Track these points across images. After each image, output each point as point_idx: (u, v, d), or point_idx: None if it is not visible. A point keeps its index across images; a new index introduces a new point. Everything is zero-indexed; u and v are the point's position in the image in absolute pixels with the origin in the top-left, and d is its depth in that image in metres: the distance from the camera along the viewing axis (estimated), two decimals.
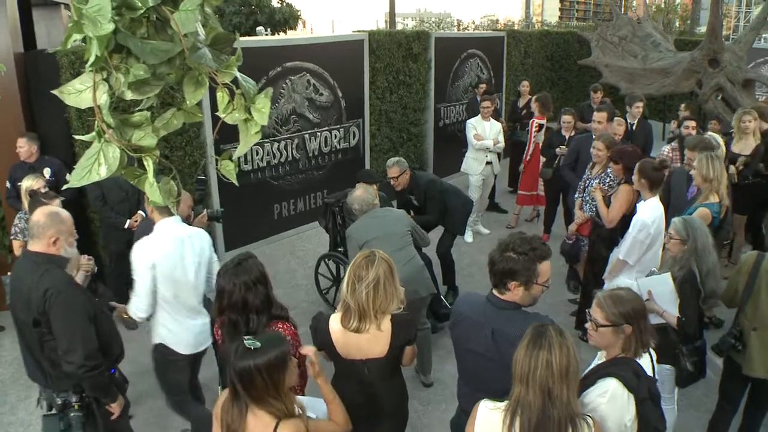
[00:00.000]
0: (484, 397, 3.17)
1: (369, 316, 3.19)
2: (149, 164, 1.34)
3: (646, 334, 2.95)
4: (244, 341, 2.62)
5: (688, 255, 4.08)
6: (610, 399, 2.74)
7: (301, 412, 2.73)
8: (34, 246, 3.52)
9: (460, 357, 3.33)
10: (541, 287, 3.03)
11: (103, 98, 1.24)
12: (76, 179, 1.34)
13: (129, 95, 1.30)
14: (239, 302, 3.21)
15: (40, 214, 3.54)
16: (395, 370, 3.46)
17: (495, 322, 3.05)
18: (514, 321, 3.00)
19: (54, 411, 3.65)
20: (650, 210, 4.88)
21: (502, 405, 2.53)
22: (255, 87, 1.46)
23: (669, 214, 5.03)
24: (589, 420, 2.49)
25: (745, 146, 6.96)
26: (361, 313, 3.19)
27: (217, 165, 1.54)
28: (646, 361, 2.96)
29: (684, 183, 6.01)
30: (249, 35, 13.73)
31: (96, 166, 1.28)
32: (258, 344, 2.59)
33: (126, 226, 6.19)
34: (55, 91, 1.33)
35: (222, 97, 1.41)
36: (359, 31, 10.18)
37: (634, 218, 4.93)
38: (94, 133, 1.29)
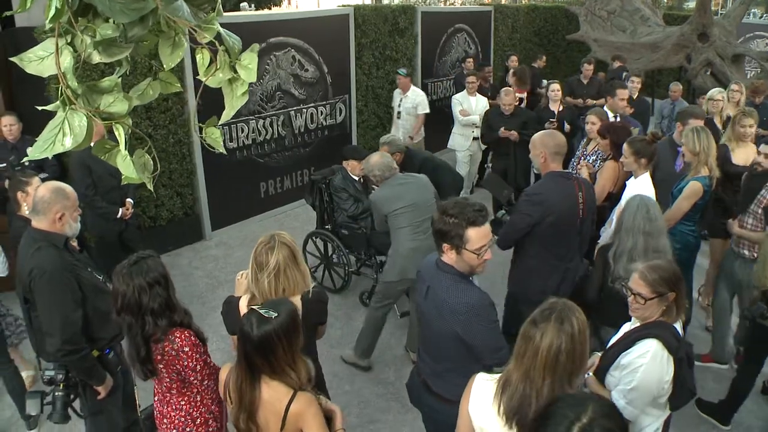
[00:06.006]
0: (422, 350, 3.33)
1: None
2: (120, 133, 1.23)
3: (684, 299, 3.02)
4: (260, 311, 2.59)
5: (615, 230, 4.07)
6: (651, 359, 2.81)
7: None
8: (39, 223, 3.47)
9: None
10: (473, 255, 2.98)
11: (66, 62, 1.14)
12: (37, 151, 1.23)
13: (96, 58, 1.19)
14: (133, 304, 3.00)
15: (44, 190, 3.49)
16: (310, 353, 3.36)
17: (432, 280, 3.14)
18: (445, 284, 3.06)
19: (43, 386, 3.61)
20: (643, 187, 4.81)
21: (497, 376, 2.49)
22: (239, 42, 1.35)
23: (658, 189, 4.97)
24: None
25: (747, 156, 5.75)
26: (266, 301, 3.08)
27: (201, 133, 1.43)
28: (678, 326, 3.02)
29: (670, 156, 5.91)
30: (233, 11, 13.51)
31: (60, 136, 1.17)
32: (274, 313, 2.58)
33: (119, 215, 5.93)
34: (14, 59, 1.22)
35: (202, 57, 1.30)
36: (344, 6, 10.02)
37: (629, 194, 4.84)
38: (58, 102, 1.19)
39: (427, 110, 9.25)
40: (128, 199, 6.03)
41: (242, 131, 8.19)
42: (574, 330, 2.31)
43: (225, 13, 10.55)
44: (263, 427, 2.67)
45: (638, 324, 3.07)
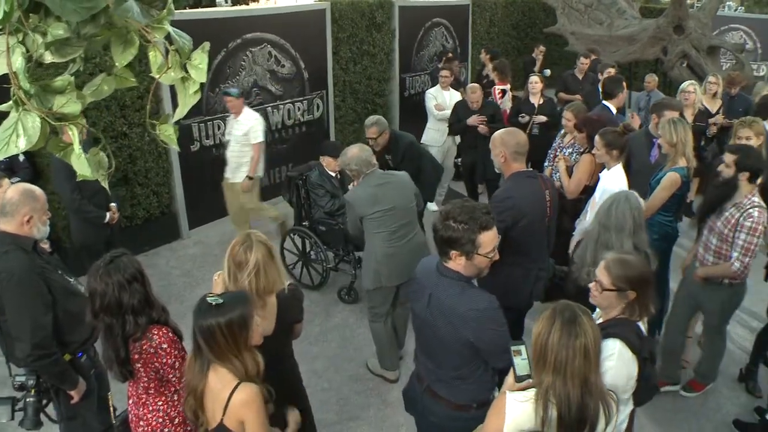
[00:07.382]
0: (424, 357, 3.25)
1: (254, 301, 3.06)
2: (74, 134, 1.21)
3: (650, 302, 2.95)
4: (207, 297, 2.62)
5: (593, 223, 4.08)
6: (618, 360, 2.75)
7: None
8: (6, 225, 3.41)
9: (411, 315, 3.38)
10: (485, 258, 2.93)
11: (18, 62, 1.11)
12: None
13: (48, 57, 1.16)
14: (113, 303, 2.94)
15: (13, 192, 3.45)
16: (286, 351, 3.46)
17: (434, 288, 3.03)
18: (451, 291, 2.97)
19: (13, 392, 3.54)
20: (616, 178, 4.84)
21: (532, 395, 2.46)
22: (190, 42, 1.33)
23: (632, 180, 5.00)
24: (615, 396, 2.49)
25: None
26: None
27: (154, 130, 1.40)
28: (641, 325, 2.99)
29: (644, 147, 5.88)
30: (209, 7, 13.39)
31: (14, 137, 1.15)
32: (220, 301, 2.60)
33: (107, 220, 5.63)
34: None
35: (155, 55, 1.28)
36: (321, 1, 9.97)
37: (602, 187, 4.87)
38: (11, 102, 1.16)
39: (261, 138, 7.05)
40: (112, 204, 5.72)
41: (219, 128, 8.10)
42: (594, 322, 2.40)
43: (201, 9, 10.44)
44: (209, 417, 2.69)
45: (600, 319, 3.03)
